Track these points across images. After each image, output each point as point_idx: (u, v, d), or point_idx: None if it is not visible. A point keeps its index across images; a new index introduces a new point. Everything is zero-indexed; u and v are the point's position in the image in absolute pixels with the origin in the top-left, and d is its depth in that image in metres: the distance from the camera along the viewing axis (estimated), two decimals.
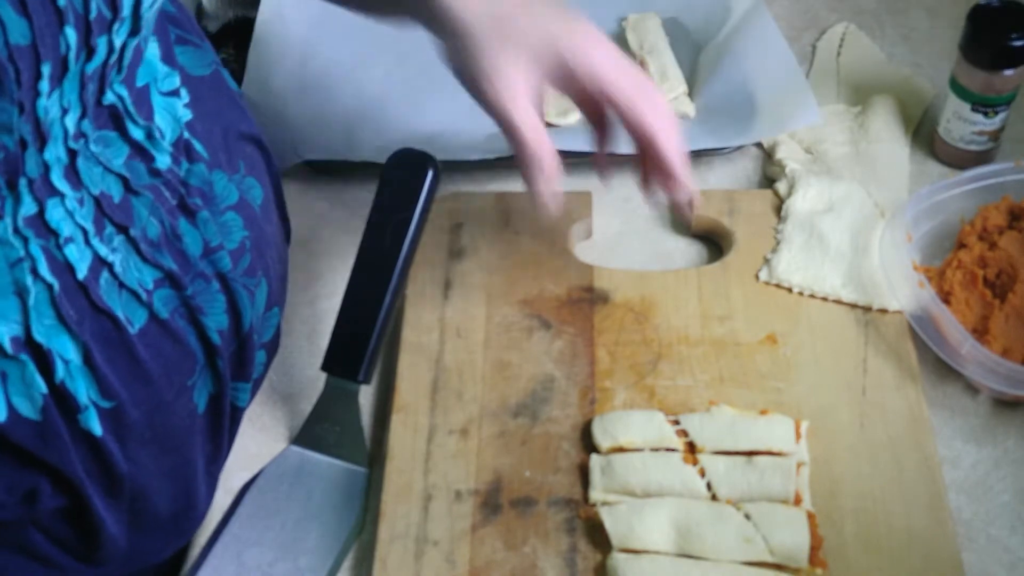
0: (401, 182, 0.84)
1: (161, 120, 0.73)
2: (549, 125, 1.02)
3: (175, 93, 0.74)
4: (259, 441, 0.85)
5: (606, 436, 0.79)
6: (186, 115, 0.75)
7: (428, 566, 0.75)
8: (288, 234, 0.89)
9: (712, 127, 1.01)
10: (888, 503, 0.77)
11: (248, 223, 0.79)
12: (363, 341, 0.83)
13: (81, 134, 0.67)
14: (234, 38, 1.14)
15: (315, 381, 0.86)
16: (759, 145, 1.02)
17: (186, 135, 0.75)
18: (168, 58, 0.75)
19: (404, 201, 0.84)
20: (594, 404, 0.83)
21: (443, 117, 1.03)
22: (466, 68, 0.77)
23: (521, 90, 0.75)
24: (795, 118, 0.98)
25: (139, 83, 0.72)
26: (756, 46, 1.04)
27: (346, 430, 0.83)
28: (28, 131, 0.62)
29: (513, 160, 0.97)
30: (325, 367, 0.84)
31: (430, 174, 0.84)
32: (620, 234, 0.97)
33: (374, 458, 0.83)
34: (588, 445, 0.80)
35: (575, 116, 1.02)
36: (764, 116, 1.00)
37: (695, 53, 1.08)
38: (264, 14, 1.09)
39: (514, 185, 1.00)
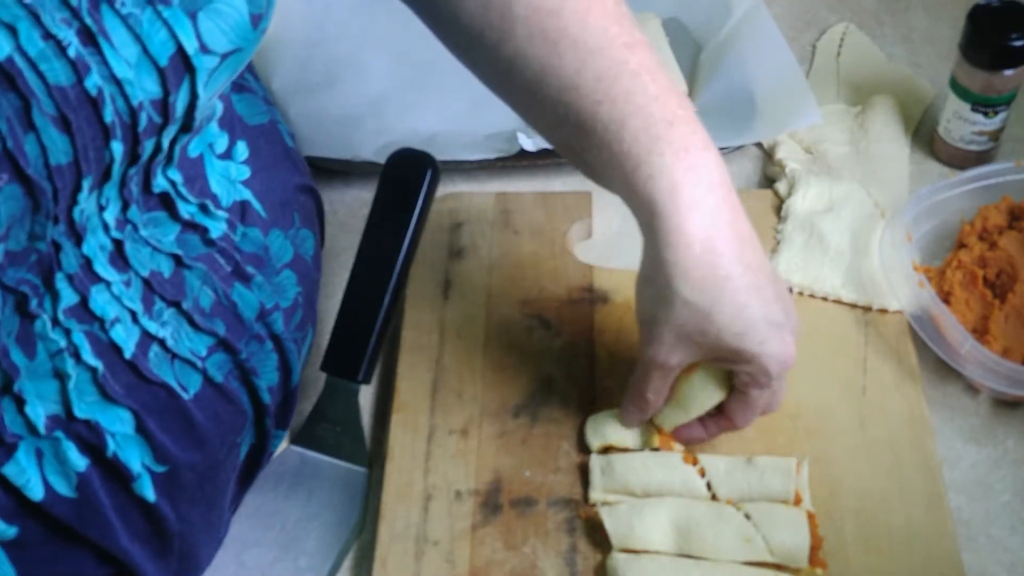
0: (401, 182, 0.84)
1: (217, 186, 0.72)
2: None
3: (228, 155, 0.73)
4: None
5: (596, 435, 0.79)
6: (243, 173, 0.74)
7: (428, 566, 0.75)
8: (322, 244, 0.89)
9: (712, 127, 0.99)
10: (888, 503, 0.77)
11: (301, 278, 0.78)
12: (363, 341, 0.83)
13: (127, 222, 0.65)
14: None
15: (315, 381, 0.86)
16: (759, 145, 1.02)
17: (244, 195, 0.74)
18: (225, 117, 0.74)
19: (404, 201, 0.84)
20: (594, 404, 0.83)
21: (443, 117, 1.03)
22: (644, 305, 0.71)
23: (671, 363, 0.72)
24: (795, 118, 0.98)
25: (192, 154, 0.70)
26: (756, 46, 1.04)
27: (346, 430, 0.83)
28: (61, 232, 0.61)
29: (513, 160, 0.98)
30: (325, 367, 0.84)
31: (430, 174, 0.84)
32: (620, 234, 0.96)
33: (374, 458, 0.83)
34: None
35: None
36: (764, 116, 1.00)
37: (695, 53, 1.08)
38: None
39: (514, 185, 1.00)
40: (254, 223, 0.75)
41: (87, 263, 0.63)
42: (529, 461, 0.80)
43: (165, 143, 0.63)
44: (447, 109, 1.03)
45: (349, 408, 0.83)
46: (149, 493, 0.67)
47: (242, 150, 0.75)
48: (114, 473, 0.66)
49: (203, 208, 0.70)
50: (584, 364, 0.85)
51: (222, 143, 0.74)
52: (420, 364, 0.86)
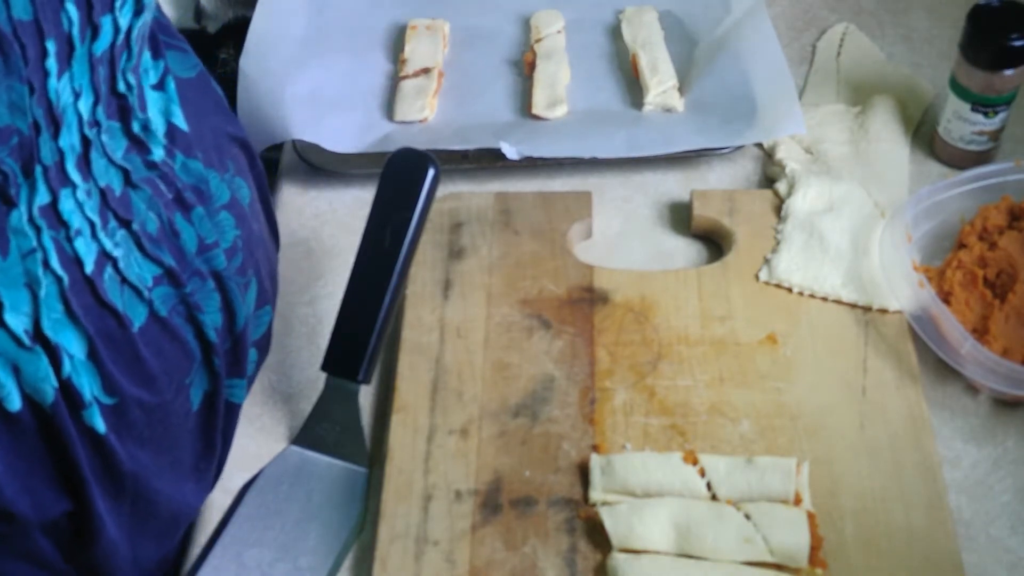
0: (401, 182, 0.84)
1: (152, 113, 0.74)
2: (537, 118, 1.02)
3: (161, 87, 0.75)
4: (259, 441, 0.85)
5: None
6: (176, 113, 0.76)
7: (428, 566, 0.75)
8: (276, 233, 0.89)
9: (700, 126, 1.01)
10: (888, 503, 0.77)
11: (239, 222, 0.79)
12: (363, 341, 0.83)
13: (96, 122, 0.68)
14: (234, 38, 1.14)
15: (315, 381, 0.86)
16: (759, 145, 1.02)
17: (183, 128, 0.76)
18: (156, 53, 0.76)
19: (404, 201, 0.84)
20: (594, 404, 0.83)
21: (437, 109, 1.04)
22: None
23: None
24: (781, 126, 0.98)
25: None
26: (751, 48, 1.04)
27: (346, 430, 0.83)
28: (41, 115, 0.63)
29: (513, 160, 0.98)
30: (325, 367, 0.84)
31: (430, 174, 0.84)
32: (620, 234, 0.97)
33: (374, 458, 0.83)
34: (588, 445, 0.81)
35: (563, 108, 1.03)
36: (751, 121, 0.99)
37: (690, 48, 1.08)
38: (263, 5, 1.09)
39: (514, 185, 1.00)
40: (192, 157, 0.76)
41: (61, 160, 0.66)
42: (529, 461, 0.80)
43: (123, 23, 0.67)
44: (440, 101, 1.04)
45: (349, 408, 0.83)
46: (99, 424, 0.68)
47: (172, 92, 0.77)
48: (68, 398, 0.67)
49: (145, 127, 0.72)
50: (584, 364, 0.85)
51: (155, 74, 0.75)
52: (420, 364, 0.86)
